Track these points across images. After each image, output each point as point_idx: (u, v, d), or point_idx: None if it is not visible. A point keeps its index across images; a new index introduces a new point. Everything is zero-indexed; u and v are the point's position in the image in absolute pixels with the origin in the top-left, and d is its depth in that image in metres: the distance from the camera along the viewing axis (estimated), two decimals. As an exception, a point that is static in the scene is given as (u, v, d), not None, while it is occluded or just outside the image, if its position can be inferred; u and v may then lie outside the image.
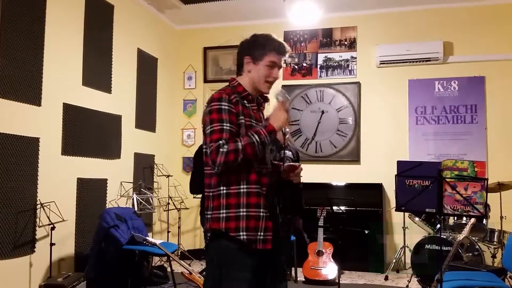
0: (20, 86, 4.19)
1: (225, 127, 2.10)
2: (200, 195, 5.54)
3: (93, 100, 5.20)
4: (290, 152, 3.97)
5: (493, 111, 6.08)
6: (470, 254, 4.93)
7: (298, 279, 5.24)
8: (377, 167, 6.34)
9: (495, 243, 5.06)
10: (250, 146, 2.07)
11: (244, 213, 2.13)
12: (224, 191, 2.15)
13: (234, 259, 2.14)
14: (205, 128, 2.17)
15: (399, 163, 3.25)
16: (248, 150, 2.07)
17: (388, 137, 6.41)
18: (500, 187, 5.04)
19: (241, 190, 2.14)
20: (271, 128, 2.12)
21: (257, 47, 2.26)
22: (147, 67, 6.43)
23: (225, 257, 2.16)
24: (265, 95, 2.36)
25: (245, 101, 2.24)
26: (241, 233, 2.12)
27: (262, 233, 2.13)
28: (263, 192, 2.16)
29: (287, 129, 2.21)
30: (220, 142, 2.06)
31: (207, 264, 2.33)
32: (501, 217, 5.12)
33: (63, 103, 4.74)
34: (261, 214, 2.14)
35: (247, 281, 2.11)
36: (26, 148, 4.24)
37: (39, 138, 4.39)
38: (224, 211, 2.15)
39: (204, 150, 2.21)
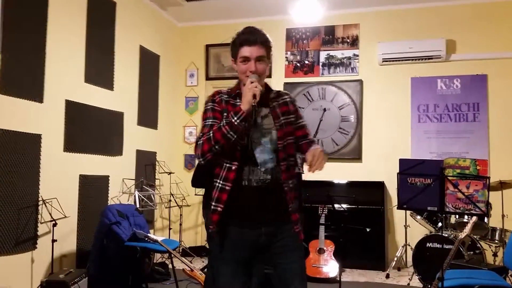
0: (22, 83, 4.19)
1: (206, 123, 2.21)
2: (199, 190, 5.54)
3: (95, 97, 5.20)
4: None
5: (495, 109, 6.06)
6: (472, 252, 4.92)
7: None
8: (379, 165, 6.33)
9: (496, 241, 5.06)
10: (218, 130, 2.12)
11: (212, 207, 2.23)
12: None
13: (213, 249, 2.30)
14: None
15: (401, 161, 3.26)
16: (217, 135, 2.11)
17: (390, 135, 6.40)
18: (502, 185, 5.05)
19: (216, 184, 2.23)
20: (237, 109, 2.13)
21: (232, 47, 2.26)
22: (149, 64, 6.43)
23: (210, 246, 2.37)
24: (275, 91, 2.35)
25: (238, 100, 2.25)
26: (211, 226, 2.26)
27: (214, 226, 2.23)
28: (227, 189, 2.19)
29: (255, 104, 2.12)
30: (199, 136, 2.20)
31: None
32: (503, 216, 5.12)
33: (65, 100, 4.74)
34: (218, 209, 2.20)
35: (224, 274, 2.22)
36: (28, 145, 4.24)
37: (41, 134, 4.40)
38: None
39: None
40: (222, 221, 2.20)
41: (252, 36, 2.19)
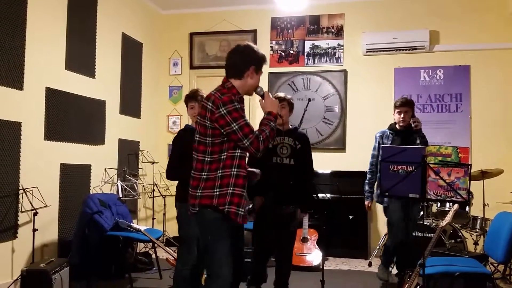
0: (1, 70, 4.10)
1: (247, 122, 2.54)
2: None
3: (76, 84, 5.12)
4: (291, 139, 4.02)
5: (477, 100, 6.12)
6: (453, 241, 4.99)
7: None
8: (362, 155, 6.30)
9: (477, 230, 5.13)
10: (272, 131, 2.58)
11: (231, 191, 2.55)
12: (220, 174, 2.56)
13: (220, 227, 2.59)
14: (228, 126, 2.52)
15: (384, 148, 3.27)
16: (271, 135, 2.57)
17: (374, 125, 6.40)
18: (483, 175, 5.10)
19: (232, 173, 2.56)
20: (274, 114, 2.62)
21: (261, 61, 2.68)
22: (131, 52, 6.34)
23: (213, 225, 2.60)
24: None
25: (242, 104, 2.66)
26: (226, 207, 2.54)
27: (242, 209, 2.58)
28: (245, 174, 2.63)
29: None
30: (256, 133, 2.53)
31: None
32: (484, 205, 5.18)
33: (46, 87, 4.66)
34: (244, 193, 2.58)
35: (228, 245, 2.59)
36: (8, 133, 4.17)
37: (21, 122, 4.32)
38: (218, 190, 2.56)
39: (216, 141, 2.57)
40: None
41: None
